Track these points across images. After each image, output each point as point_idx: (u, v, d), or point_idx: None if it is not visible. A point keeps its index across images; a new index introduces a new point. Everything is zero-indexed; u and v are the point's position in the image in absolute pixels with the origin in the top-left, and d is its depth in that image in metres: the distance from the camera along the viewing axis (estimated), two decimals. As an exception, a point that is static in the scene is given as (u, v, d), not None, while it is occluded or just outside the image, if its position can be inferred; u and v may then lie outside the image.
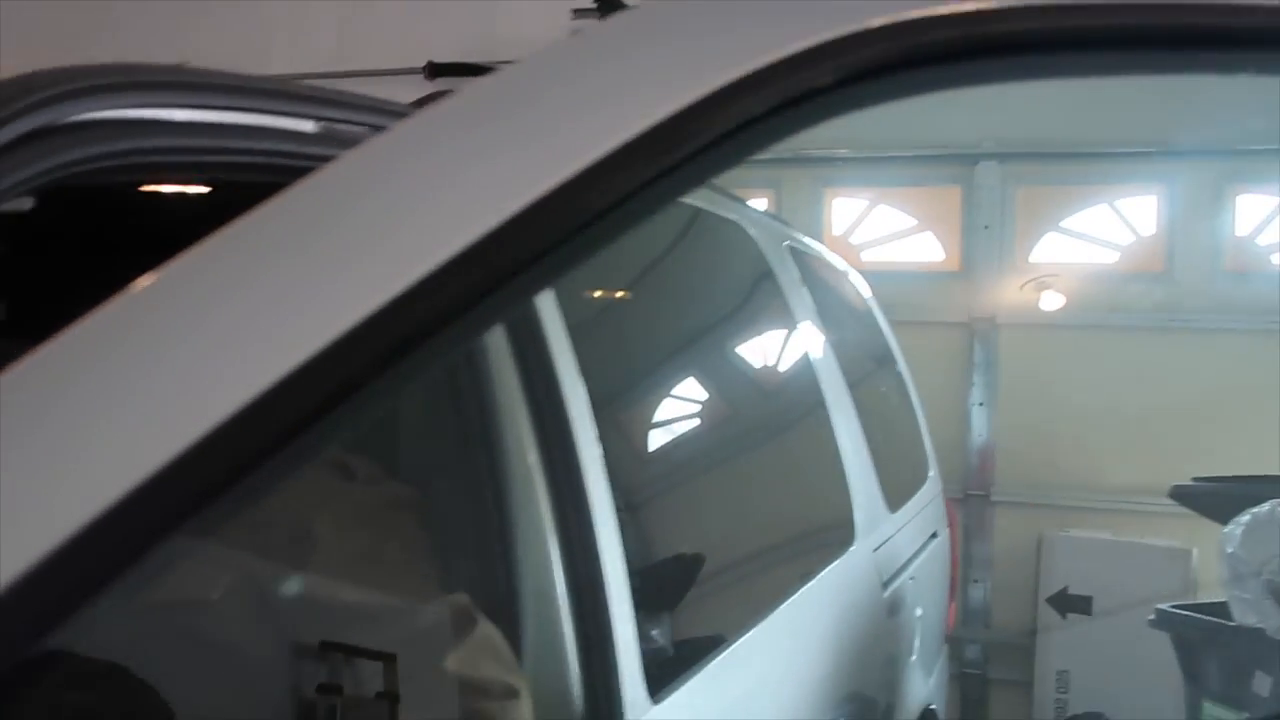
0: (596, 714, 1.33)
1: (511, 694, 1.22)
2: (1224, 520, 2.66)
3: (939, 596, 3.40)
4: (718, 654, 1.69)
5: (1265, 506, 2.58)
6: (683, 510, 1.87)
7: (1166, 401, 4.09)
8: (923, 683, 3.02)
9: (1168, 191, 4.37)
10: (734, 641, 1.76)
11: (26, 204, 1.07)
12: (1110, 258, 4.47)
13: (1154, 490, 3.97)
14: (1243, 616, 2.55)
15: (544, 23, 4.52)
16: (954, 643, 3.85)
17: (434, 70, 4.90)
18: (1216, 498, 2.79)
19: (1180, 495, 2.91)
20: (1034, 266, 4.47)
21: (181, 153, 0.99)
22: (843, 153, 4.41)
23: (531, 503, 1.35)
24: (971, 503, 4.35)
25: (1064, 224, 4.49)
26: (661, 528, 1.78)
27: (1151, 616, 2.85)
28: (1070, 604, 4.08)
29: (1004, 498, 4.40)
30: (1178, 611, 2.84)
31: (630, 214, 0.62)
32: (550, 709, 1.31)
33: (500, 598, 1.31)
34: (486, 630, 1.22)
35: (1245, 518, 2.57)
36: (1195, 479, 2.89)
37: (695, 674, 1.59)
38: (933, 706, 3.13)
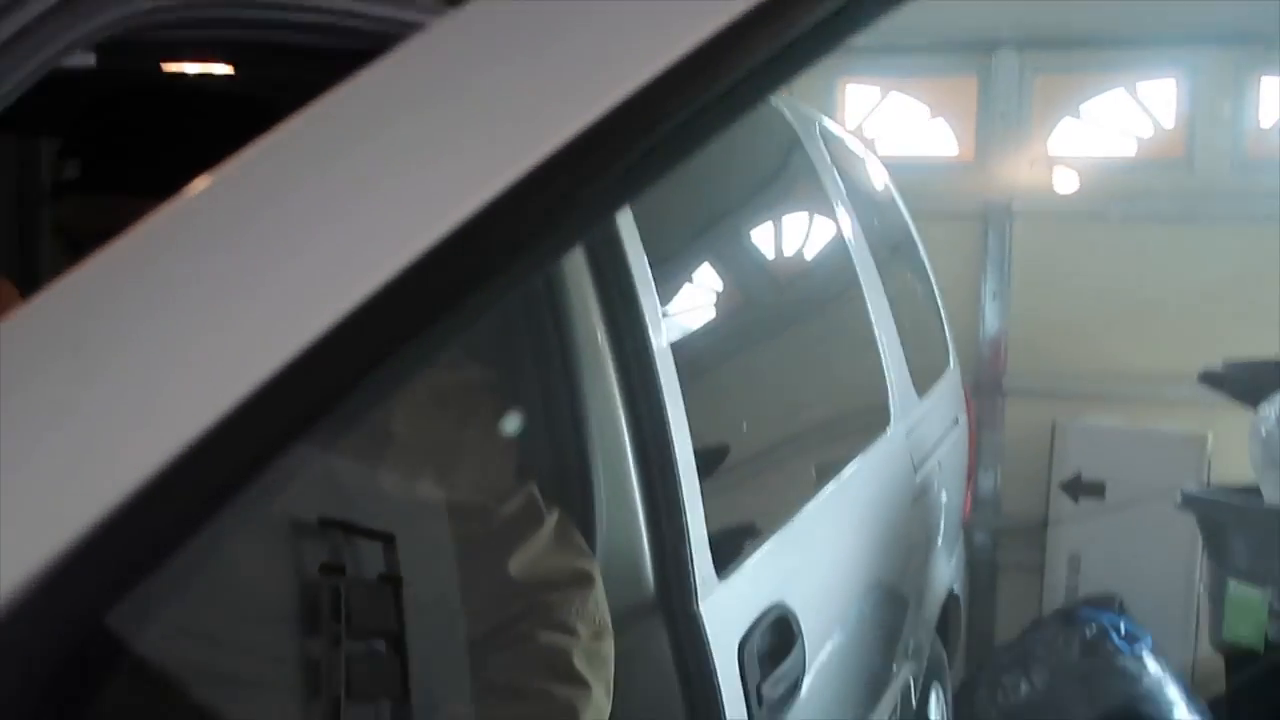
0: (672, 590, 1.34)
1: (583, 580, 1.20)
2: (1254, 403, 2.66)
3: (959, 483, 3.42)
4: (772, 534, 1.69)
5: (1298, 388, 2.58)
6: (732, 392, 1.85)
7: (1183, 290, 4.08)
8: (946, 566, 3.06)
9: (1188, 78, 4.30)
10: (786, 522, 1.77)
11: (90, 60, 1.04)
12: (1128, 146, 4.41)
13: (1169, 377, 3.98)
14: (1274, 497, 2.57)
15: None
16: (966, 530, 3.89)
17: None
18: (1248, 381, 2.79)
19: (1210, 379, 2.91)
20: (1051, 156, 4.42)
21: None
22: (857, 41, 4.31)
23: (603, 385, 1.34)
24: (984, 392, 4.35)
25: (1081, 111, 4.43)
26: (710, 409, 1.77)
27: (1178, 500, 2.87)
28: (1083, 489, 4.11)
29: (1017, 387, 4.40)
30: (1208, 493, 2.86)
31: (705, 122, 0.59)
32: (629, 585, 1.31)
33: (577, 481, 1.30)
34: (554, 519, 1.21)
35: (1278, 399, 2.57)
36: (1226, 362, 2.88)
37: (754, 553, 1.59)
38: (955, 590, 3.17)
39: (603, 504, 1.31)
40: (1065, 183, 4.31)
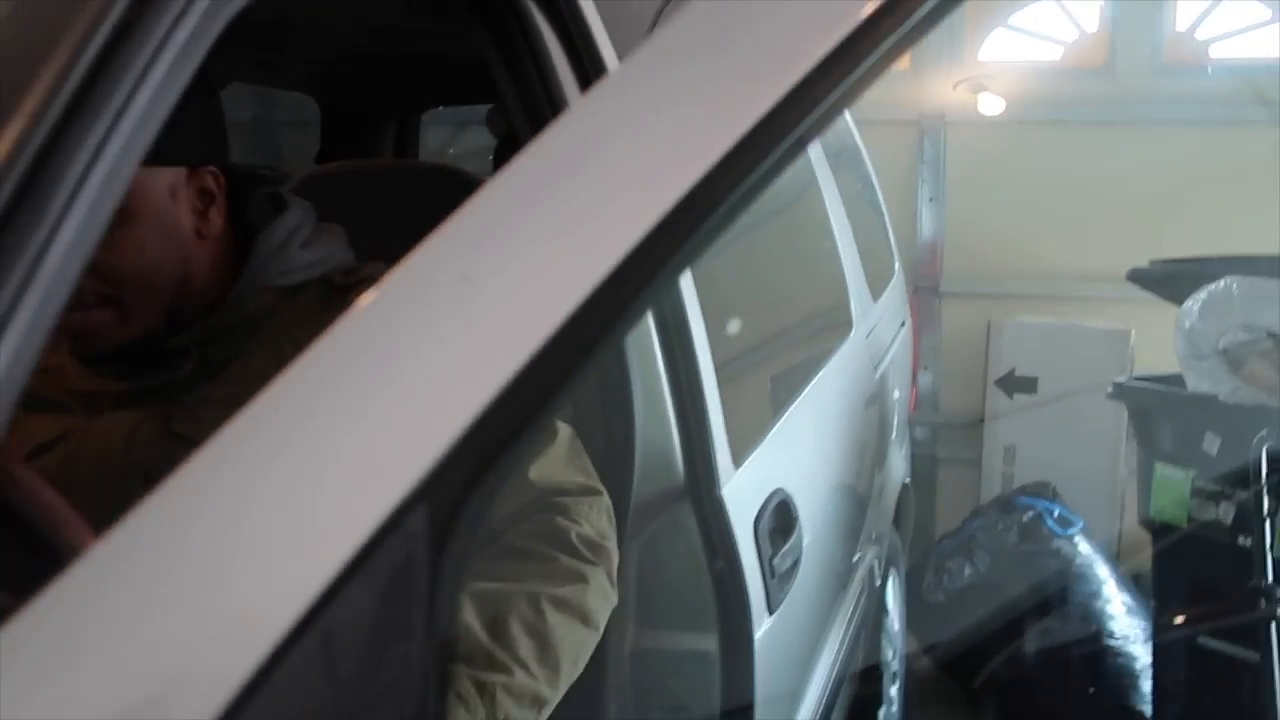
0: (699, 479, 1.49)
1: (591, 492, 1.29)
2: (1179, 300, 2.86)
3: (905, 381, 3.62)
4: (770, 429, 1.86)
5: (1220, 283, 2.78)
6: (730, 299, 2.00)
7: (1109, 194, 4.29)
8: (900, 460, 3.26)
9: (1109, -16, 4.48)
10: (779, 417, 1.93)
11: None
12: (1054, 53, 4.59)
13: (1096, 277, 4.21)
14: (1197, 385, 2.79)
15: None
16: (909, 425, 4.11)
17: None
18: (1173, 279, 2.99)
19: (1137, 277, 3.11)
20: (981, 64, 4.57)
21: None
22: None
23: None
24: (922, 294, 4.55)
25: (1011, 21, 4.59)
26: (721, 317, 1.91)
27: (1110, 390, 3.08)
28: (1017, 385, 4.34)
29: (953, 289, 4.61)
30: (1136, 383, 3.08)
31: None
32: (663, 475, 1.46)
33: (618, 389, 1.43)
34: (567, 435, 1.30)
35: (1202, 294, 2.77)
36: (1152, 261, 3.08)
37: (759, 445, 1.75)
38: (906, 481, 3.38)
39: (639, 405, 1.45)
40: (988, 103, 4.47)
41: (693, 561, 1.50)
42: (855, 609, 2.51)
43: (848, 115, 3.61)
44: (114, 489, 1.23)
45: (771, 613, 1.60)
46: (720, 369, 1.59)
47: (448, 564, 0.49)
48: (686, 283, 1.53)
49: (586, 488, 1.30)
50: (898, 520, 3.25)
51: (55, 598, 0.50)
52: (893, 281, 3.55)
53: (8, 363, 0.61)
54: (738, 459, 1.60)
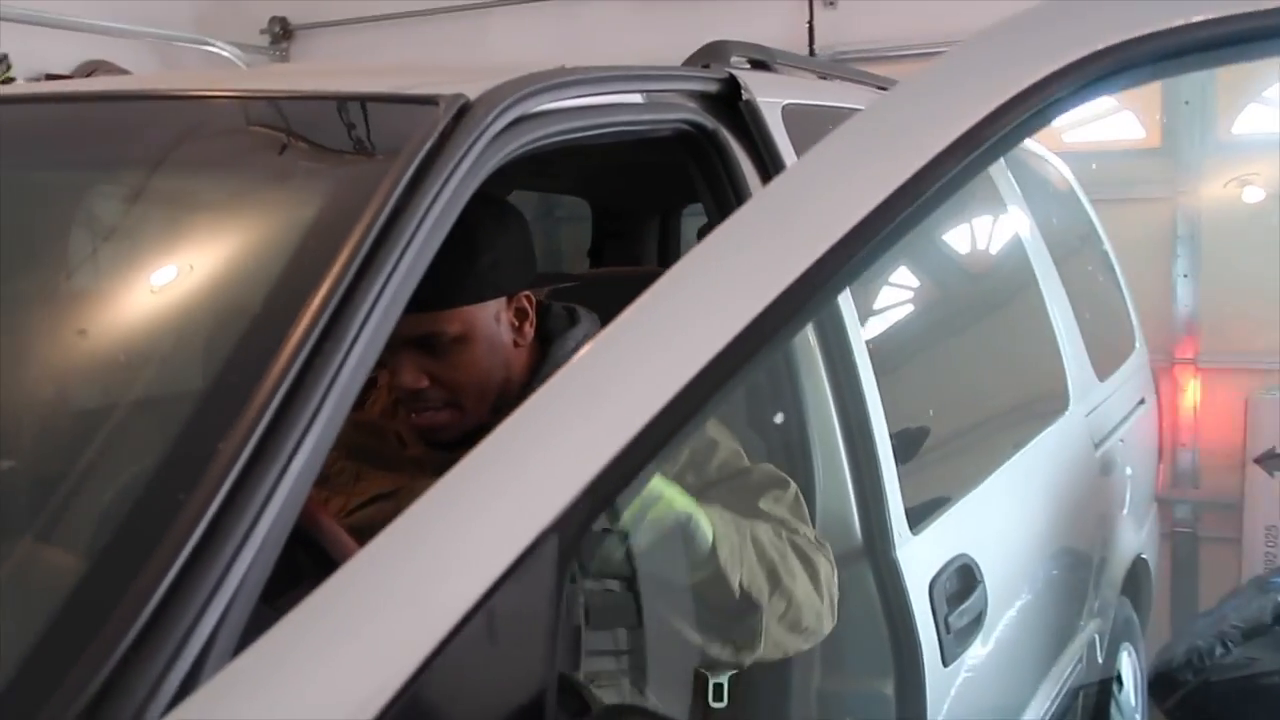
0: (874, 541, 1.72)
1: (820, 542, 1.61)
2: None
3: (1148, 458, 3.67)
4: (956, 502, 2.05)
5: None
6: (918, 382, 2.22)
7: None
8: (1134, 535, 3.32)
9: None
10: (969, 492, 2.13)
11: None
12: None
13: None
14: None
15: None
16: (1164, 504, 4.10)
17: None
18: None
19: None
20: (1235, 138, 4.55)
21: (585, 129, 1.39)
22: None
23: (816, 383, 1.73)
24: (1177, 369, 4.53)
25: (1264, 95, 4.55)
26: (904, 397, 2.13)
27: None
28: (1277, 463, 4.26)
29: (1210, 363, 4.57)
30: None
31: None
32: (841, 537, 1.70)
33: (801, 460, 1.69)
34: (794, 489, 1.63)
35: None
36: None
37: (940, 516, 1.96)
38: (1144, 555, 3.42)
39: (820, 477, 1.71)
40: (1253, 195, 4.43)
41: (869, 614, 1.73)
42: (1069, 676, 2.62)
43: (1082, 196, 3.73)
44: None
45: (946, 665, 1.80)
46: (898, 446, 1.82)
47: (567, 578, 0.78)
48: (864, 362, 1.77)
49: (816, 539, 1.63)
50: (1135, 596, 3.30)
51: (311, 607, 0.81)
52: (1132, 358, 3.61)
53: (314, 444, 0.95)
54: (915, 526, 1.81)
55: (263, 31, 6.13)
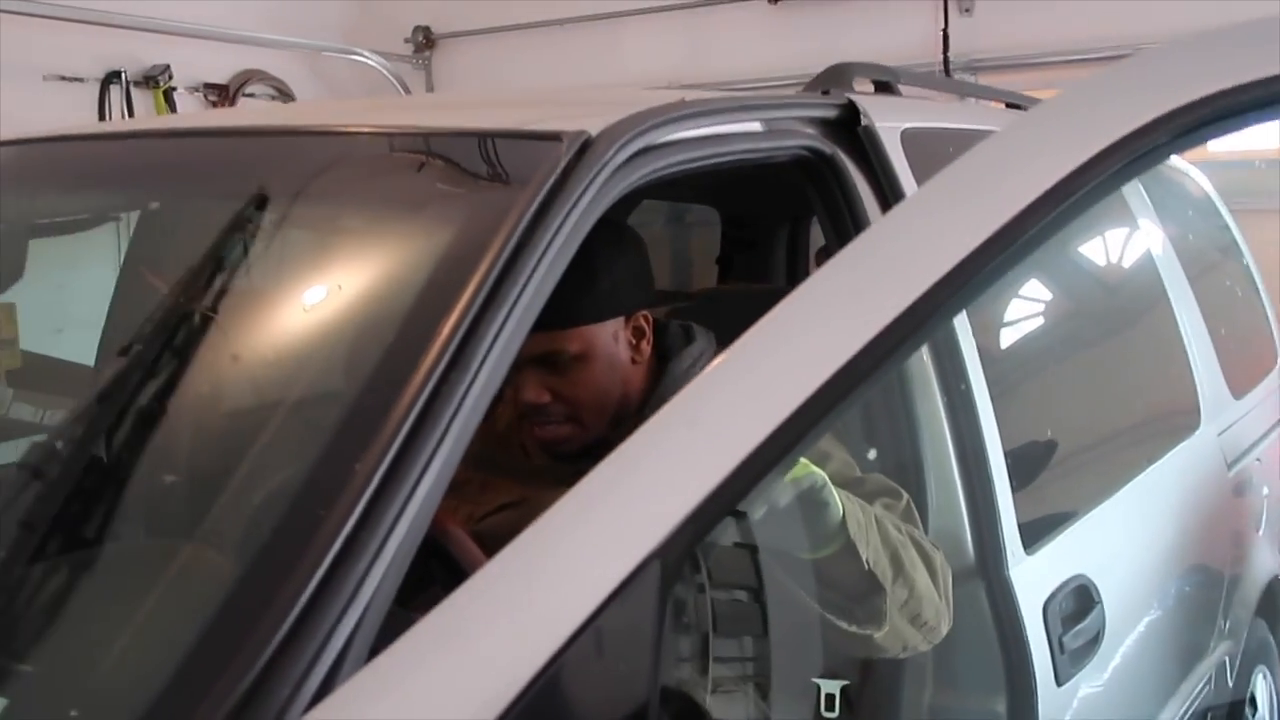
0: (988, 560, 1.74)
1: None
2: None
3: (1289, 477, 3.56)
4: (1074, 521, 2.05)
5: None
6: (1039, 399, 2.22)
7: None
8: (1271, 556, 3.23)
9: None
10: (1088, 512, 2.12)
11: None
12: None
13: None
14: None
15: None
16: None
17: (777, -9, 5.26)
18: None
19: None
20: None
21: (704, 159, 1.45)
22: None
23: (931, 404, 1.75)
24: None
25: None
26: (1024, 414, 2.14)
27: None
28: None
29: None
30: None
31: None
32: (951, 550, 1.72)
33: (914, 479, 1.72)
34: (907, 499, 1.65)
35: None
36: None
37: (1057, 535, 1.96)
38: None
39: (932, 494, 1.73)
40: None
41: (981, 632, 1.75)
42: (1197, 697, 2.58)
43: (1224, 212, 3.64)
44: None
45: (1060, 685, 1.81)
46: (1014, 466, 1.83)
47: (669, 600, 0.84)
48: (979, 378, 1.79)
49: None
50: (1271, 617, 3.22)
51: (435, 620, 0.89)
52: (1272, 375, 3.52)
53: (444, 459, 1.02)
54: (1030, 546, 1.83)
55: (406, 40, 6.34)
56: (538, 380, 1.68)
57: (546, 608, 0.86)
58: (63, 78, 5.10)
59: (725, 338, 1.92)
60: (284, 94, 5.94)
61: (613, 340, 1.72)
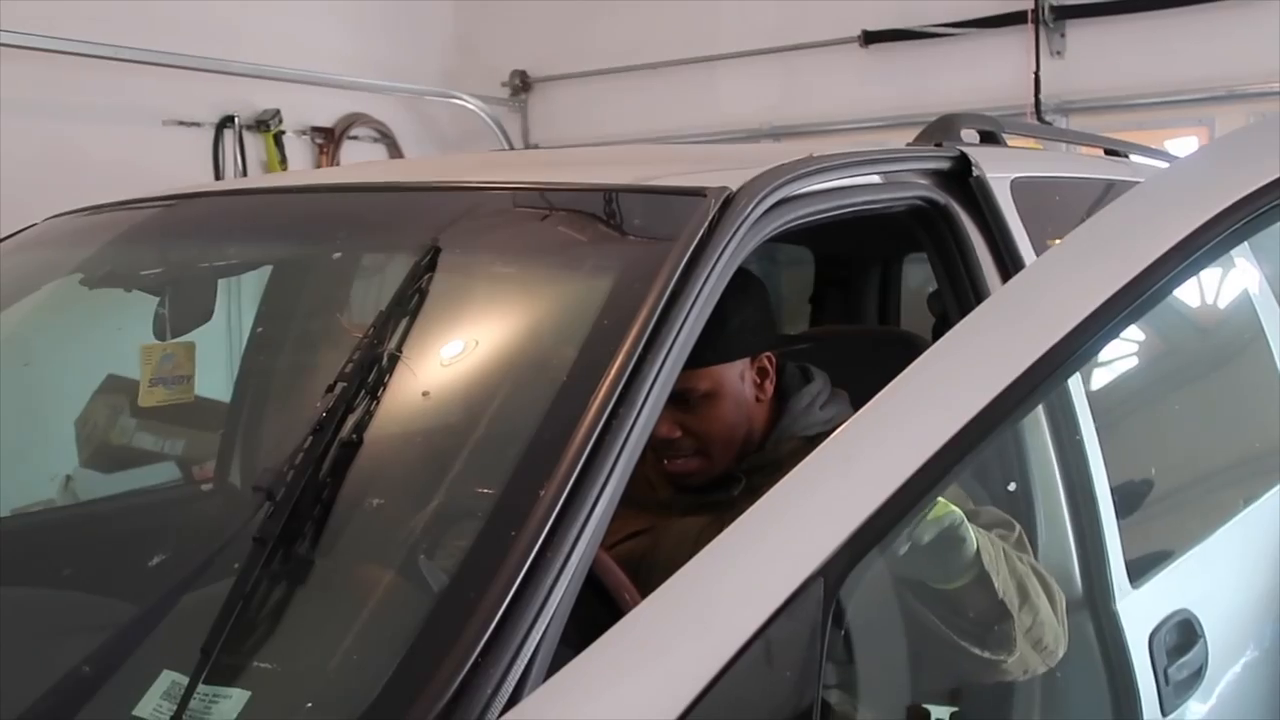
0: (1095, 593, 1.81)
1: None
2: None
3: None
4: (1178, 557, 2.11)
5: None
6: (1142, 437, 2.28)
7: None
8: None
9: None
10: (1191, 548, 2.18)
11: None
12: None
13: None
14: None
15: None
16: None
17: (868, 38, 5.37)
18: None
19: None
20: None
21: (830, 211, 1.56)
22: (1275, 87, 4.49)
23: (1038, 428, 1.83)
24: None
25: None
26: (1127, 452, 2.20)
27: None
28: None
29: None
30: None
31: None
32: (1060, 582, 1.80)
33: (1025, 514, 1.80)
34: (1019, 530, 1.72)
35: None
36: None
37: (1161, 571, 2.02)
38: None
39: (1041, 529, 1.81)
40: None
41: (1089, 663, 1.82)
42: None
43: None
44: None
45: (1165, 715, 1.87)
46: (1121, 503, 1.90)
47: (831, 616, 0.95)
48: (1086, 414, 1.86)
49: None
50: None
51: (621, 629, 0.99)
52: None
53: (614, 487, 1.14)
54: (1135, 580, 1.89)
55: (504, 84, 6.54)
56: (670, 416, 1.80)
57: (717, 625, 0.97)
58: (181, 122, 5.35)
59: (834, 377, 2.03)
60: (386, 136, 6.16)
61: (739, 380, 1.83)
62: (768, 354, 1.89)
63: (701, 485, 1.86)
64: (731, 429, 1.83)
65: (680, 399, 1.79)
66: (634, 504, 1.92)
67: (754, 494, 1.92)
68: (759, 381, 1.88)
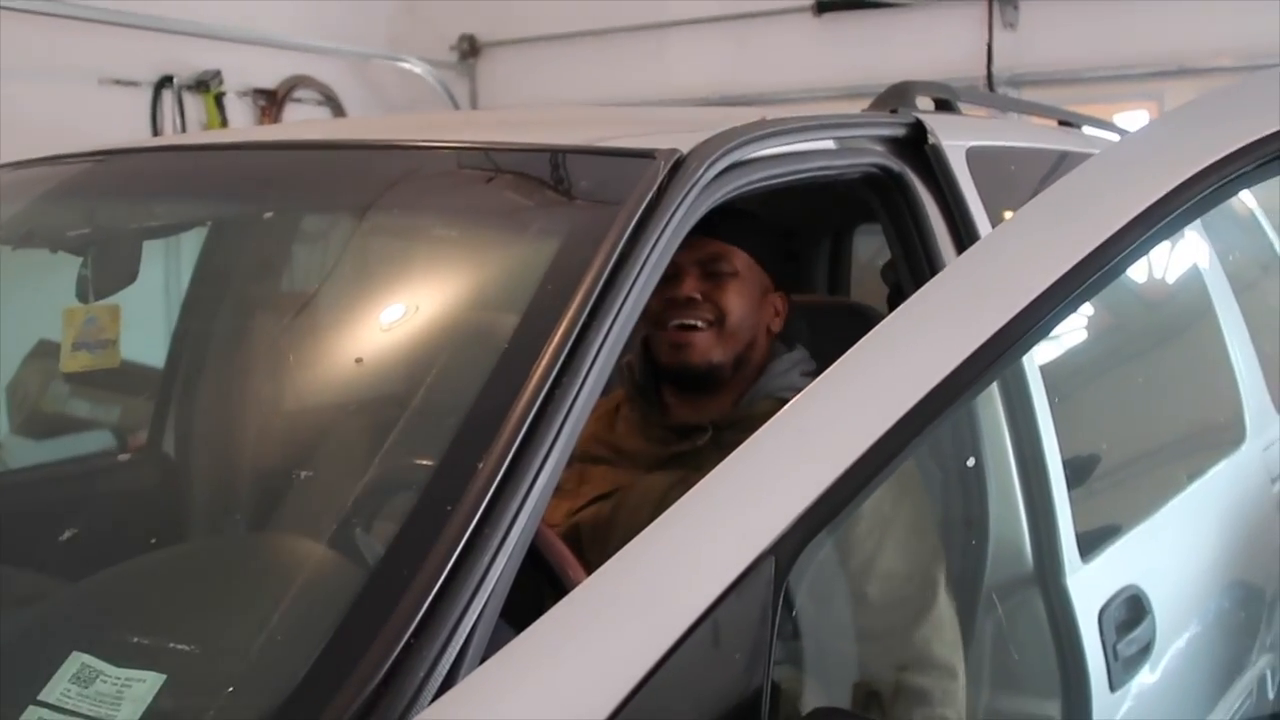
0: (1046, 568, 1.79)
1: (951, 675, 1.61)
2: None
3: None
4: (1126, 532, 2.10)
5: None
6: (1089, 411, 2.26)
7: None
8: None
9: None
10: (1139, 523, 2.17)
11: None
12: None
13: None
14: None
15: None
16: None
17: (821, 7, 5.32)
18: None
19: None
20: None
21: (783, 175, 1.51)
22: (1224, 62, 4.50)
23: (992, 412, 1.81)
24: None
25: None
26: (1075, 426, 2.18)
27: None
28: None
29: None
30: None
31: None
32: (1011, 557, 1.78)
33: (976, 488, 1.77)
34: (943, 609, 1.63)
35: None
36: None
37: (1110, 546, 2.01)
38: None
39: (993, 504, 1.78)
40: None
41: (1039, 638, 1.80)
42: (1239, 709, 2.62)
43: (1265, 223, 3.66)
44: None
45: (1113, 691, 1.85)
46: (1071, 477, 1.88)
47: (781, 595, 0.90)
48: (1039, 388, 1.84)
49: (949, 669, 1.62)
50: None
51: (564, 608, 0.95)
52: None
53: (556, 458, 1.08)
54: (1085, 555, 1.87)
55: (452, 48, 6.42)
56: (696, 280, 1.84)
57: (663, 606, 0.92)
58: (117, 81, 5.20)
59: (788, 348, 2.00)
60: (331, 100, 6.03)
61: (761, 291, 1.89)
62: (782, 295, 1.94)
63: (697, 371, 1.87)
64: (743, 319, 1.87)
65: (711, 267, 1.84)
66: (600, 462, 1.88)
67: (720, 450, 1.84)
68: (770, 315, 1.93)
